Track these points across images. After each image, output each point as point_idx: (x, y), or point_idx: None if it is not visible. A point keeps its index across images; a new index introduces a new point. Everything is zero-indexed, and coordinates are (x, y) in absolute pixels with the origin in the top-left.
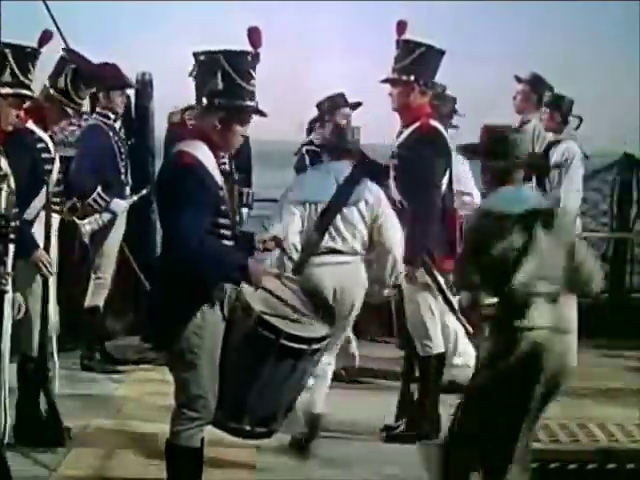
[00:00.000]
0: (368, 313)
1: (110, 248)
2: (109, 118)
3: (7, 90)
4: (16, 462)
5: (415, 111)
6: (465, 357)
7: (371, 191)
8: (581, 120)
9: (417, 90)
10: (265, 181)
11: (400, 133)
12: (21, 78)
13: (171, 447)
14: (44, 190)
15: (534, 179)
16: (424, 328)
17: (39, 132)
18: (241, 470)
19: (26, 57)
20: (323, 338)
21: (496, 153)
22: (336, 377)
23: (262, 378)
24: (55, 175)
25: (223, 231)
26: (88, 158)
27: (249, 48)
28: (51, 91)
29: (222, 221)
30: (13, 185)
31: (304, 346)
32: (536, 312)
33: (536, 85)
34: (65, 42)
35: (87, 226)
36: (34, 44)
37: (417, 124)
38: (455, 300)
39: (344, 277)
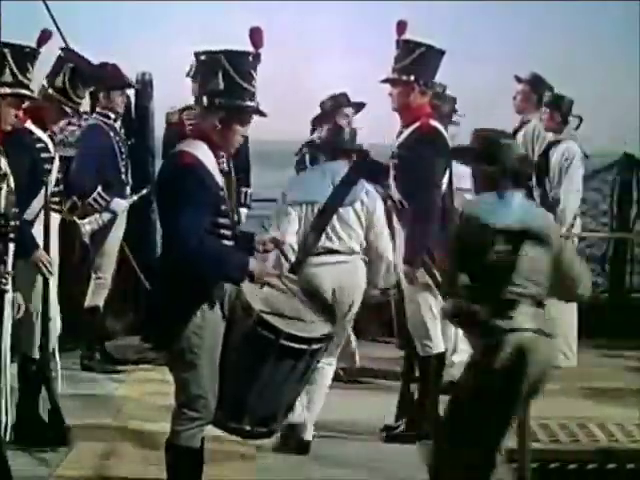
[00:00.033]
0: (368, 313)
1: (110, 248)
2: (109, 118)
3: (6, 90)
4: (16, 462)
5: (415, 111)
6: (464, 356)
7: (367, 192)
8: (581, 120)
9: (417, 90)
10: (265, 181)
11: (400, 133)
12: (20, 78)
13: (171, 447)
14: (44, 190)
15: (534, 179)
16: (424, 328)
17: (38, 132)
18: (241, 470)
19: (25, 57)
20: (323, 338)
21: (486, 158)
22: (336, 377)
23: (262, 378)
24: (55, 175)
25: (223, 231)
26: (88, 158)
27: (250, 48)
28: (49, 90)
29: (222, 221)
30: (13, 185)
31: (304, 346)
32: (520, 315)
33: (536, 85)
34: (65, 42)
35: (87, 226)
36: (34, 44)
37: (417, 124)
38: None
39: (342, 277)
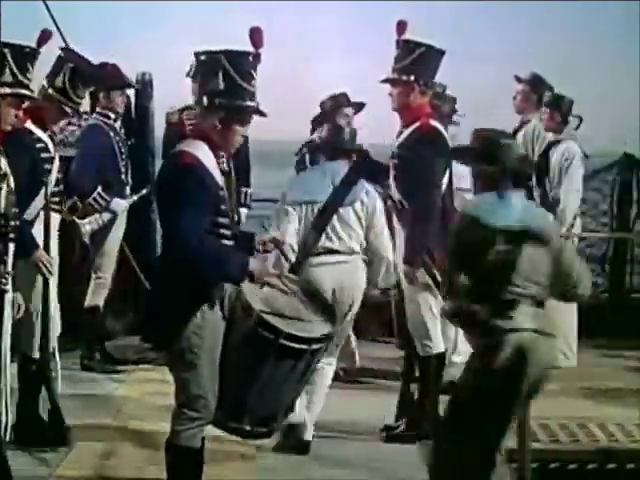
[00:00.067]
0: (368, 313)
1: (110, 248)
2: (109, 118)
3: (6, 90)
4: (16, 462)
5: (415, 111)
6: (465, 356)
7: (367, 192)
8: (581, 120)
9: (417, 90)
10: (265, 181)
11: (400, 133)
12: (20, 78)
13: (171, 447)
14: (44, 190)
15: (534, 179)
16: (424, 328)
17: (38, 132)
18: (241, 470)
19: (25, 57)
20: (323, 338)
21: (486, 158)
22: (336, 377)
23: (262, 378)
24: (55, 175)
25: (223, 231)
26: (88, 158)
27: (250, 48)
28: (49, 90)
29: (222, 221)
30: (12, 185)
31: (304, 346)
32: (520, 315)
33: (536, 85)
34: (65, 42)
35: (87, 226)
36: (34, 44)
37: (417, 124)
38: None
39: (342, 276)
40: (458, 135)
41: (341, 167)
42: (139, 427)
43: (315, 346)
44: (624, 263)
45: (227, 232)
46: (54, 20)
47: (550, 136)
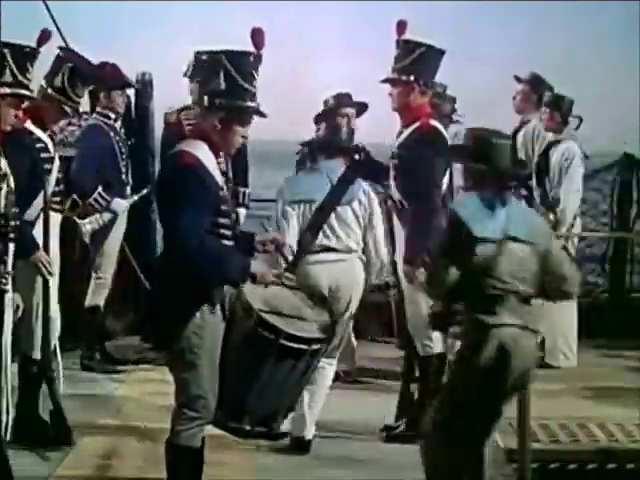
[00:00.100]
0: (368, 313)
1: (111, 248)
2: (110, 118)
3: (6, 90)
4: (16, 462)
5: (415, 111)
6: None
7: (364, 191)
8: (581, 120)
9: (417, 90)
10: (265, 181)
11: (400, 133)
12: (20, 78)
13: (171, 447)
14: (44, 190)
15: (534, 179)
16: (424, 328)
17: (38, 132)
18: (241, 470)
19: (25, 57)
20: (323, 338)
21: (478, 157)
22: (336, 377)
23: (262, 378)
24: (55, 175)
25: (223, 231)
26: (89, 158)
27: (251, 48)
28: (49, 90)
29: (222, 221)
30: (12, 185)
31: (304, 346)
32: (504, 311)
33: (536, 85)
34: (65, 42)
35: (88, 226)
36: (34, 44)
37: (417, 124)
38: None
39: (339, 274)
40: (461, 134)
41: (338, 166)
42: (139, 427)
43: (315, 346)
44: (624, 263)
45: (227, 232)
46: (54, 20)
47: (550, 136)
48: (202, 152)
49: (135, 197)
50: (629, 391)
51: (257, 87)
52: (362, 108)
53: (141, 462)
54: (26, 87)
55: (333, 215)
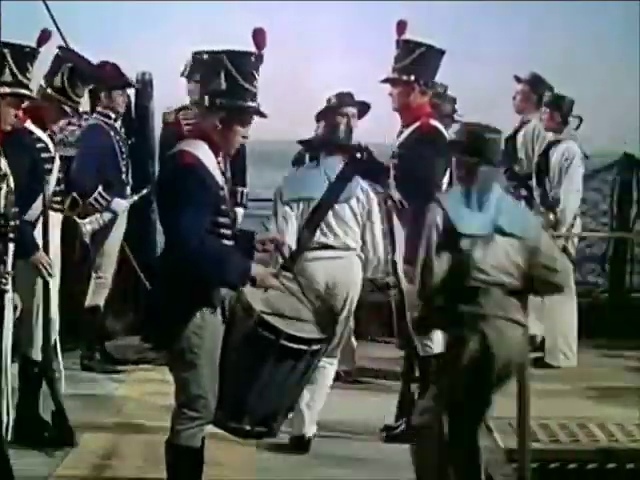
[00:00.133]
0: (368, 313)
1: (111, 247)
2: (110, 118)
3: (5, 89)
4: (17, 462)
5: (415, 111)
6: None
7: (362, 189)
8: (581, 120)
9: (417, 90)
10: (265, 181)
11: (400, 133)
12: (20, 77)
13: (171, 447)
14: (45, 190)
15: (534, 179)
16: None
17: (38, 132)
18: (241, 470)
19: (25, 56)
20: (323, 339)
21: (470, 150)
22: (337, 377)
23: (262, 378)
24: (55, 174)
25: (223, 230)
26: (89, 157)
27: (251, 48)
28: (48, 90)
29: (222, 220)
30: (12, 184)
31: (304, 347)
32: (487, 302)
33: (536, 85)
34: (65, 42)
35: (88, 225)
36: (34, 44)
37: (417, 124)
38: None
39: (336, 271)
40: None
41: (337, 164)
42: (139, 427)
43: (315, 346)
44: (624, 263)
45: (227, 232)
46: (54, 20)
47: (550, 136)
48: (202, 152)
49: (135, 197)
50: (629, 391)
51: (258, 87)
52: (365, 108)
53: (141, 462)
54: (26, 87)
55: (331, 213)
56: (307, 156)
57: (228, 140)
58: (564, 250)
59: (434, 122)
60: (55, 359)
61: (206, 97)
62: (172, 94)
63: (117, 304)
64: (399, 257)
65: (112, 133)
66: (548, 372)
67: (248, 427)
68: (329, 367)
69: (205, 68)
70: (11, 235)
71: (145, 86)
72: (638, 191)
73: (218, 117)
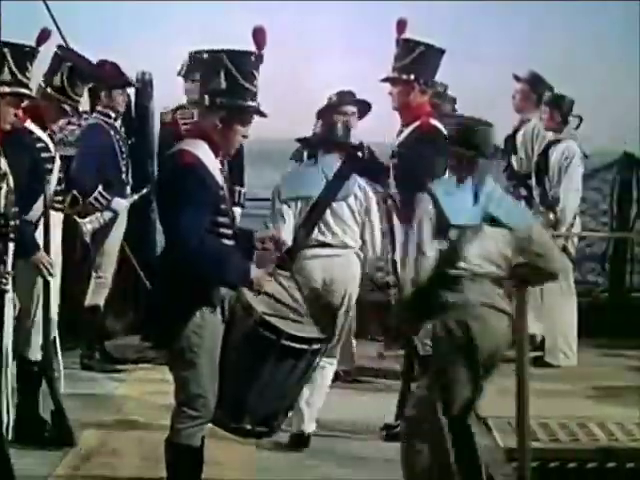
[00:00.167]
0: (368, 312)
1: (111, 247)
2: (110, 117)
3: (5, 89)
4: (17, 461)
5: (415, 110)
6: None
7: (360, 187)
8: (581, 120)
9: (417, 89)
10: (265, 180)
11: (400, 132)
12: (19, 77)
13: (171, 446)
14: (46, 190)
15: (534, 178)
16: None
17: (38, 132)
18: (241, 470)
19: (24, 56)
20: (324, 338)
21: (461, 141)
22: (336, 377)
23: (262, 378)
24: (56, 174)
25: (223, 230)
26: (89, 157)
27: (251, 48)
28: (48, 89)
29: (222, 220)
30: (12, 184)
31: (305, 346)
32: (471, 290)
33: (535, 84)
34: (65, 42)
35: (88, 225)
36: (34, 44)
37: (417, 123)
38: None
39: (334, 269)
40: None
41: (334, 162)
42: (139, 426)
43: (316, 346)
44: (624, 262)
45: (227, 231)
46: (54, 20)
47: (550, 135)
48: (202, 151)
49: (135, 196)
50: (629, 390)
51: (258, 86)
52: (366, 108)
53: (141, 461)
54: (25, 86)
55: (329, 211)
56: (305, 154)
57: (228, 139)
58: (564, 249)
59: (434, 121)
60: (55, 358)
61: (206, 96)
62: (172, 94)
63: (117, 303)
64: (399, 257)
65: (112, 132)
66: (548, 371)
67: (248, 427)
68: (328, 367)
69: (205, 67)
70: (11, 235)
71: (145, 85)
72: (638, 190)
73: (218, 116)
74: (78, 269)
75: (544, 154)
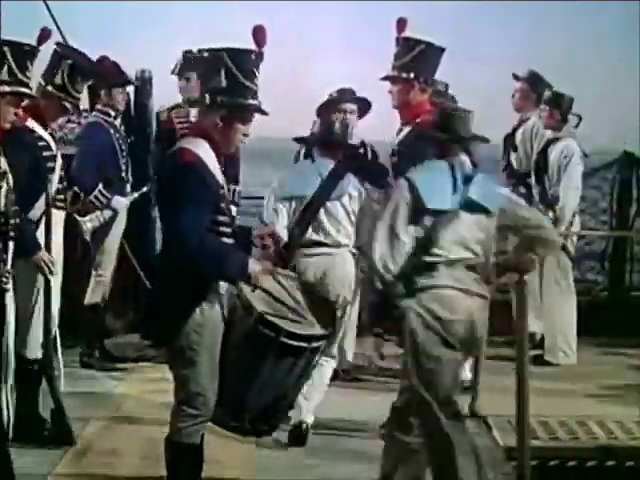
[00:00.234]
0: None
1: (111, 245)
2: (110, 115)
3: (5, 88)
4: (16, 460)
5: (415, 108)
6: None
7: (355, 186)
8: (580, 119)
9: (417, 87)
10: (265, 179)
11: (400, 130)
12: (19, 76)
13: (171, 444)
14: (48, 188)
15: (533, 176)
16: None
17: (39, 130)
18: (241, 470)
19: (25, 55)
20: (323, 336)
21: (439, 125)
22: (335, 375)
23: (262, 376)
24: (58, 173)
25: (223, 229)
26: (89, 155)
27: (252, 47)
28: (49, 87)
29: (222, 219)
30: (12, 183)
31: (304, 344)
32: (443, 275)
33: (534, 83)
34: (65, 41)
35: (88, 223)
36: (34, 43)
37: (417, 121)
38: None
39: (328, 267)
40: None
41: (330, 161)
42: (139, 424)
43: (315, 344)
44: (624, 261)
45: (227, 230)
46: (54, 20)
47: (549, 134)
48: (203, 150)
49: (135, 194)
50: (629, 388)
51: (258, 85)
52: (366, 106)
53: (141, 459)
54: (26, 85)
55: (323, 210)
56: (302, 153)
57: (229, 138)
58: (563, 248)
59: None
60: (55, 357)
61: (206, 95)
62: (172, 92)
63: (117, 302)
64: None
65: (112, 131)
66: (548, 370)
67: (248, 425)
68: (326, 365)
69: (205, 66)
70: (11, 233)
71: (144, 84)
72: (638, 189)
73: (219, 115)
74: (78, 267)
75: (543, 152)
